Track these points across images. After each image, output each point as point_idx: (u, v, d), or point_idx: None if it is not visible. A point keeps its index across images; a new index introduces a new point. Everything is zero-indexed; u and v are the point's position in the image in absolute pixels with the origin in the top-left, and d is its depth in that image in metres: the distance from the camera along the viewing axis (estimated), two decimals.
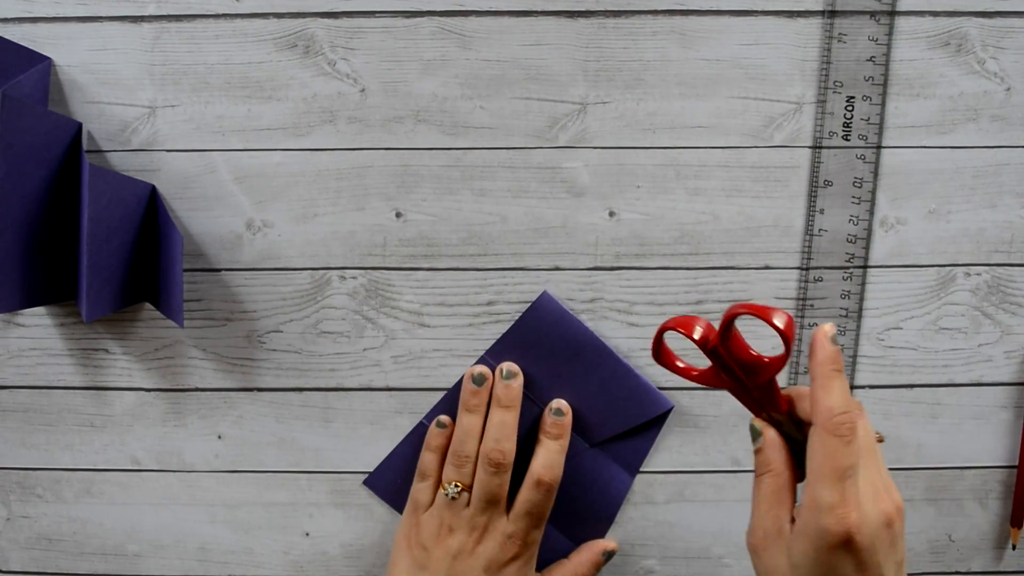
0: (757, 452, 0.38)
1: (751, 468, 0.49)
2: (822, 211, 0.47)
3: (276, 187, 0.47)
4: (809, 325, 0.47)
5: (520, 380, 0.47)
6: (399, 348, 0.48)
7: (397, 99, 0.46)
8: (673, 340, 0.40)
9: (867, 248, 0.47)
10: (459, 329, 0.48)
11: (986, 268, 0.47)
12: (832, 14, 0.45)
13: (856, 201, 0.46)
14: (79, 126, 0.44)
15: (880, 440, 0.37)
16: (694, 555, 0.50)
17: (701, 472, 0.49)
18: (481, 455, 0.45)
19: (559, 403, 0.47)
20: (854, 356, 0.48)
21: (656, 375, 0.48)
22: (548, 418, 0.47)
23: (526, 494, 0.45)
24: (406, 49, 0.45)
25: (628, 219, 0.47)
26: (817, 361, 0.36)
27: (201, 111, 0.46)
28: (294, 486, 0.50)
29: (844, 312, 0.47)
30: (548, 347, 0.47)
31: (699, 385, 0.46)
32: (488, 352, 0.48)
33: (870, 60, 0.45)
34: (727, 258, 0.47)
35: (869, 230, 0.47)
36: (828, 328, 0.36)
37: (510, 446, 0.45)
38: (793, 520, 0.36)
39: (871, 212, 0.47)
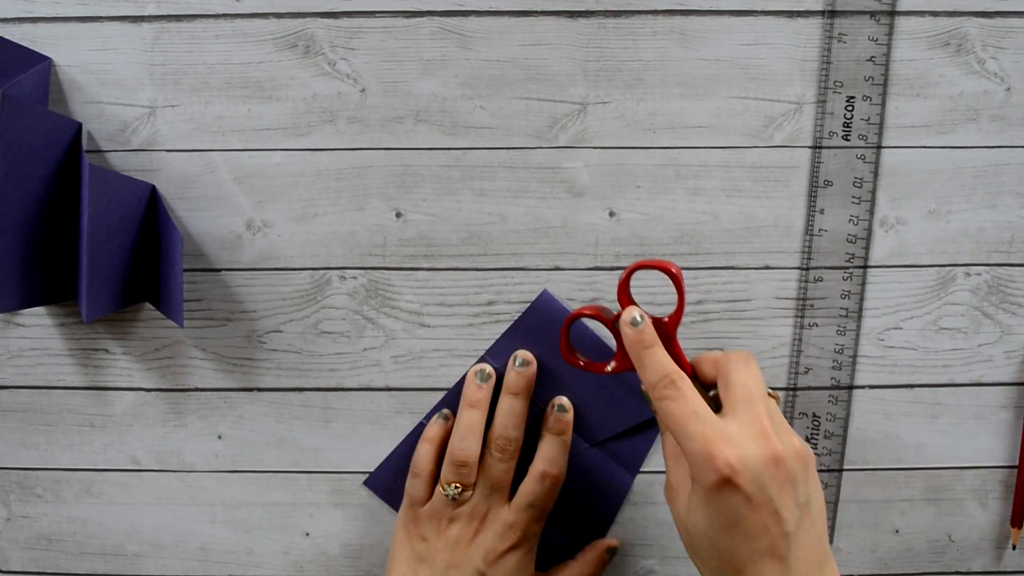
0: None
1: None
2: (822, 211, 0.47)
3: (276, 187, 0.47)
4: (809, 325, 0.47)
5: (533, 369, 0.46)
6: (399, 348, 0.48)
7: (397, 99, 0.46)
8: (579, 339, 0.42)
9: (867, 248, 0.47)
10: (459, 329, 0.48)
11: (986, 268, 0.47)
12: (832, 14, 0.45)
13: (856, 201, 0.46)
14: (79, 126, 0.44)
15: (772, 394, 0.40)
16: None
17: None
18: (489, 440, 0.45)
19: (561, 399, 0.47)
20: (854, 356, 0.48)
21: None
22: (551, 414, 0.47)
23: (530, 486, 0.45)
24: (406, 49, 0.45)
25: (628, 219, 0.47)
26: (627, 347, 0.40)
27: (201, 111, 0.46)
28: (294, 486, 0.50)
29: (844, 312, 0.47)
30: (548, 346, 0.47)
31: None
32: (488, 352, 0.48)
33: (870, 60, 0.45)
34: (727, 258, 0.47)
35: (869, 230, 0.47)
36: (625, 315, 0.40)
37: (517, 434, 0.45)
38: None
39: (871, 212, 0.47)
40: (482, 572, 0.44)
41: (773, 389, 0.48)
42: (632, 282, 0.45)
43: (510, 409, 0.46)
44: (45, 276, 0.44)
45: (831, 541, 0.50)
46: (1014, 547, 0.50)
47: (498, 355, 0.47)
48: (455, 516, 0.45)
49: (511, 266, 0.47)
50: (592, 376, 0.47)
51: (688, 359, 0.41)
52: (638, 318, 0.40)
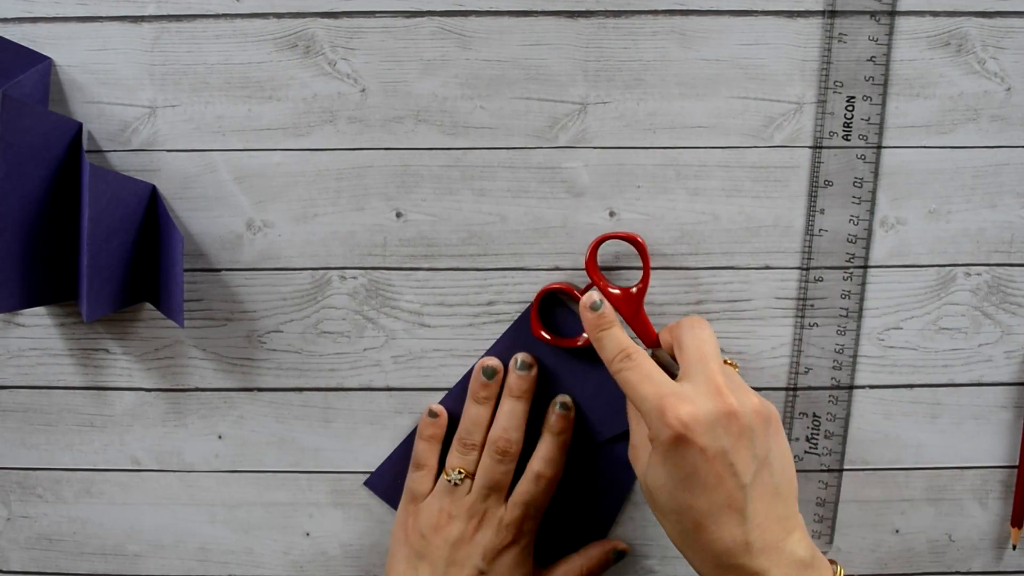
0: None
1: None
2: (822, 211, 0.47)
3: (276, 187, 0.47)
4: (809, 325, 0.47)
5: (535, 371, 0.46)
6: (399, 348, 0.48)
7: (397, 99, 0.46)
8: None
9: (867, 248, 0.47)
10: (459, 329, 0.48)
11: (986, 268, 0.47)
12: (832, 14, 0.45)
13: (856, 201, 0.46)
14: (79, 126, 0.44)
15: (729, 362, 0.42)
16: None
17: None
18: (488, 442, 0.45)
19: (564, 398, 0.47)
20: (854, 356, 0.48)
21: None
22: (553, 412, 0.47)
23: (524, 485, 0.46)
24: (406, 49, 0.45)
25: (628, 219, 0.47)
26: (586, 330, 0.43)
27: (201, 111, 0.46)
28: (294, 486, 0.50)
29: (844, 312, 0.47)
30: (549, 346, 0.47)
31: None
32: (489, 351, 0.48)
33: (870, 60, 0.45)
34: (727, 258, 0.47)
35: (869, 230, 0.47)
36: (585, 299, 0.43)
37: (518, 435, 0.45)
38: None
39: (871, 212, 0.47)
40: (482, 570, 0.44)
41: (784, 391, 0.48)
42: (604, 255, 0.47)
43: (511, 411, 0.46)
44: (45, 276, 0.44)
45: (831, 540, 0.50)
46: (1014, 547, 0.50)
47: (499, 354, 0.47)
48: (454, 512, 0.45)
49: (511, 266, 0.47)
50: (593, 375, 0.47)
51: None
52: (597, 301, 0.42)
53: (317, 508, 0.50)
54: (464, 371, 0.48)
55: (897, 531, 0.50)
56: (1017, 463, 0.49)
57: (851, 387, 0.48)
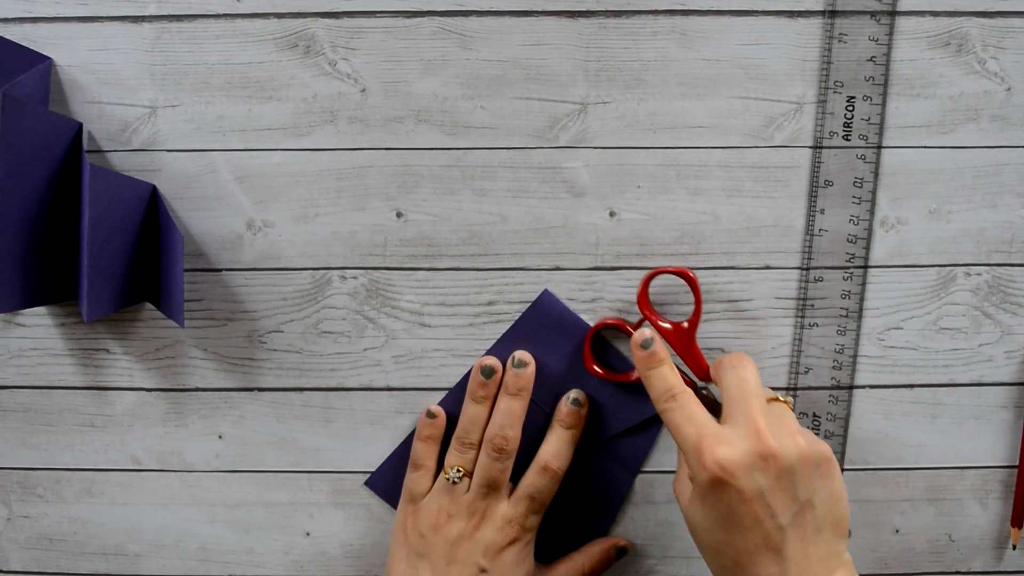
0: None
1: None
2: (822, 211, 0.47)
3: (277, 187, 0.47)
4: (809, 325, 0.47)
5: (532, 369, 0.46)
6: (400, 348, 0.48)
7: (397, 99, 0.46)
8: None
9: (867, 248, 0.47)
10: (459, 329, 0.48)
11: (986, 268, 0.47)
12: (832, 14, 0.45)
13: (856, 201, 0.46)
14: (80, 126, 0.44)
15: (782, 399, 0.41)
16: (694, 555, 0.50)
17: None
18: (485, 440, 0.46)
19: (577, 393, 0.47)
20: (855, 356, 0.48)
21: None
22: (564, 406, 0.47)
23: (531, 478, 0.46)
24: (407, 49, 0.45)
25: (629, 219, 0.47)
26: (636, 366, 0.43)
27: (202, 111, 0.46)
28: (295, 486, 0.50)
29: (844, 312, 0.47)
30: (549, 345, 0.47)
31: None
32: (489, 351, 0.48)
33: (871, 60, 0.45)
34: (727, 258, 0.47)
35: (869, 230, 0.47)
36: (636, 336, 0.43)
37: (514, 433, 0.45)
38: None
39: (871, 212, 0.47)
40: (483, 567, 0.44)
41: (784, 391, 0.48)
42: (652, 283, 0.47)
43: (508, 409, 0.46)
44: (46, 276, 0.44)
45: None
46: (1014, 547, 0.50)
47: (499, 354, 0.47)
48: (453, 511, 0.45)
49: (512, 266, 0.47)
50: (588, 382, 0.47)
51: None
52: (648, 339, 0.43)
53: (318, 508, 0.50)
54: (464, 371, 0.48)
55: (897, 531, 0.50)
56: (1017, 463, 0.49)
57: (851, 387, 0.48)
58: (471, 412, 0.46)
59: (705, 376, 0.45)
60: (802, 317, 0.48)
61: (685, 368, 0.46)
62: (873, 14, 0.45)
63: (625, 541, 0.49)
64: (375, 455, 0.49)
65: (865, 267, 0.47)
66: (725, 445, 0.38)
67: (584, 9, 0.45)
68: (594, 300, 0.47)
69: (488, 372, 0.46)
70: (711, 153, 0.46)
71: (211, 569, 0.51)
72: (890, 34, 0.45)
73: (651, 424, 0.48)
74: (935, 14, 0.45)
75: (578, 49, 0.45)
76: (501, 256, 0.47)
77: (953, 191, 0.47)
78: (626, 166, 0.46)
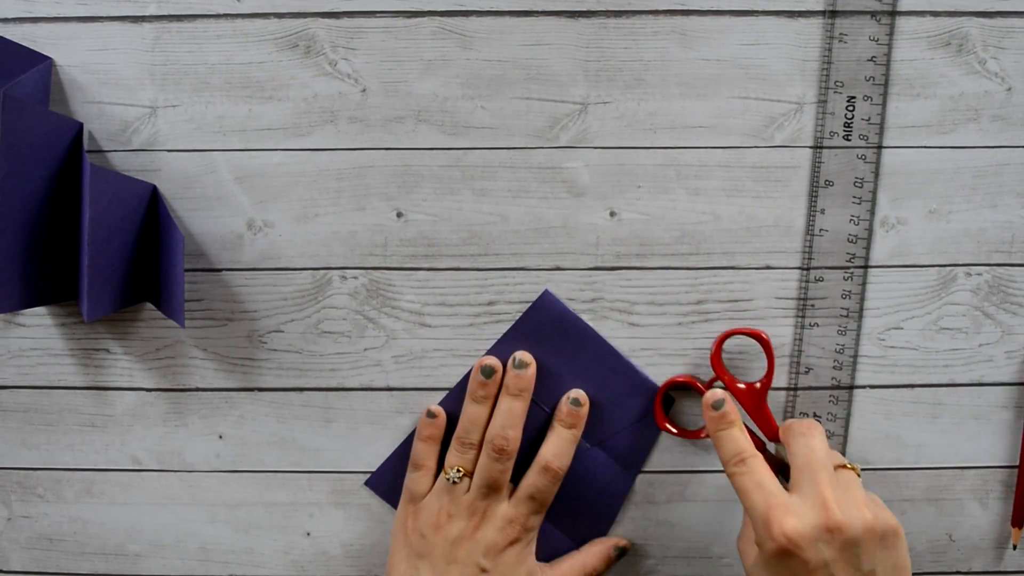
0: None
1: None
2: (823, 211, 0.47)
3: (277, 187, 0.47)
4: (810, 325, 0.47)
5: (532, 370, 0.46)
6: (400, 348, 0.48)
7: (398, 99, 0.46)
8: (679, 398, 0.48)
9: (868, 248, 0.47)
10: (460, 329, 0.48)
11: (987, 268, 0.47)
12: (833, 14, 0.45)
13: (857, 201, 0.46)
14: (80, 126, 0.44)
15: (850, 467, 0.42)
16: (694, 555, 0.50)
17: (701, 472, 0.49)
18: (486, 440, 0.46)
19: (577, 393, 0.47)
20: (855, 356, 0.48)
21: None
22: (564, 406, 0.47)
23: (532, 478, 0.46)
24: (407, 49, 0.45)
25: (629, 219, 0.47)
26: (707, 426, 0.44)
27: (202, 111, 0.46)
28: (295, 486, 0.50)
29: (845, 312, 0.47)
30: (549, 345, 0.47)
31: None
32: (490, 351, 0.48)
33: (871, 60, 0.45)
34: (728, 258, 0.47)
35: (870, 230, 0.47)
36: (708, 396, 0.44)
37: (515, 434, 0.45)
38: None
39: (872, 212, 0.47)
40: (484, 567, 0.44)
41: (785, 391, 0.48)
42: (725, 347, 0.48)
43: (508, 410, 0.46)
44: (46, 276, 0.44)
45: None
46: (1014, 547, 0.50)
47: (499, 355, 0.47)
48: (454, 511, 0.45)
49: (512, 266, 0.47)
50: (594, 374, 0.47)
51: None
52: (720, 400, 0.44)
53: (318, 508, 0.50)
54: (464, 371, 0.48)
55: None
56: (1017, 463, 0.49)
57: (852, 387, 0.48)
58: (471, 412, 0.46)
59: (774, 437, 0.46)
60: (802, 317, 0.48)
61: (754, 427, 0.47)
62: (873, 14, 0.45)
63: (625, 541, 0.49)
64: (375, 455, 0.49)
65: (865, 267, 0.47)
66: (793, 516, 0.39)
67: (584, 9, 0.45)
68: (594, 300, 0.47)
69: (488, 372, 0.46)
70: (711, 153, 0.46)
71: (211, 569, 0.51)
72: (890, 34, 0.45)
73: (650, 424, 0.48)
74: (935, 14, 0.45)
75: (578, 49, 0.45)
76: (501, 256, 0.47)
77: (953, 191, 0.47)
78: (626, 166, 0.46)
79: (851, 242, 0.47)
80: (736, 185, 0.46)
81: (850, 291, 0.47)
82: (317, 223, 0.47)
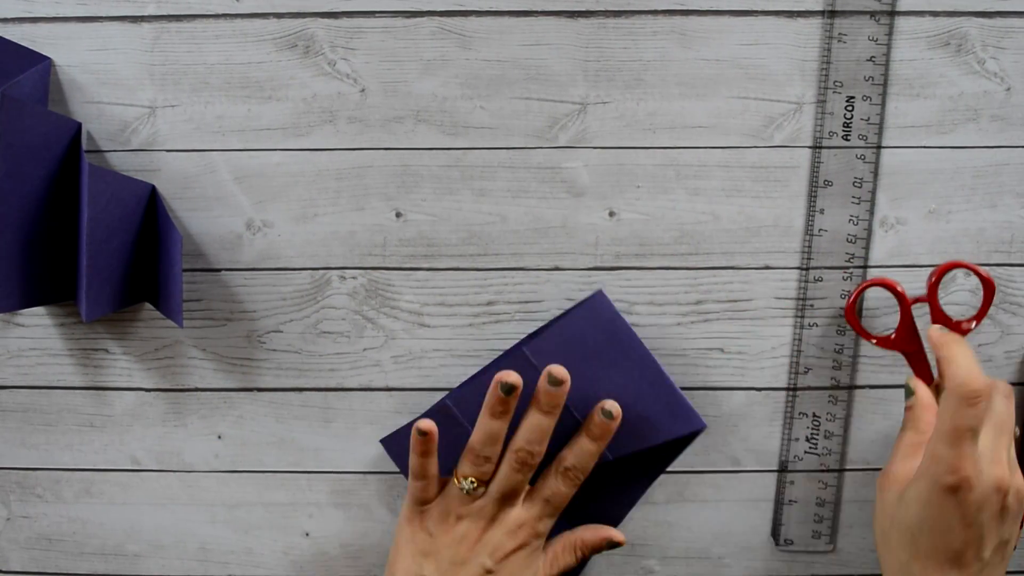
0: (908, 409, 0.44)
1: (751, 468, 0.49)
2: (822, 211, 0.47)
3: (276, 187, 0.47)
4: (809, 325, 0.47)
5: (566, 388, 0.44)
6: (399, 348, 0.48)
7: (397, 99, 0.46)
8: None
9: (867, 248, 0.47)
10: (459, 329, 0.48)
11: (986, 268, 0.47)
12: (832, 14, 0.45)
13: (856, 201, 0.46)
14: (79, 126, 0.44)
15: (1018, 434, 0.43)
16: (694, 555, 0.50)
17: (701, 472, 0.49)
18: (509, 451, 0.44)
19: (612, 404, 0.44)
20: (854, 356, 0.48)
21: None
22: (596, 416, 0.45)
23: (550, 481, 0.45)
24: (406, 49, 0.45)
25: (628, 219, 0.47)
26: (934, 342, 0.44)
27: (201, 111, 0.46)
28: (294, 486, 0.50)
29: (844, 312, 0.47)
30: (592, 349, 0.45)
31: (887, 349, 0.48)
32: (530, 345, 0.45)
33: (870, 60, 0.45)
34: (727, 258, 0.47)
35: (869, 230, 0.47)
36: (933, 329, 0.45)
37: (540, 449, 0.44)
38: None
39: (871, 212, 0.47)
40: (489, 569, 0.44)
41: (784, 391, 0.48)
42: None
43: (538, 425, 0.44)
44: (45, 276, 0.44)
45: (831, 541, 0.50)
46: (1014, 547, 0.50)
47: (540, 351, 0.45)
48: (464, 514, 0.45)
49: (511, 266, 0.47)
50: (630, 387, 0.45)
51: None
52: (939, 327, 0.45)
53: (317, 508, 0.50)
54: (464, 371, 0.48)
55: None
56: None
57: (851, 387, 0.48)
58: (490, 427, 0.44)
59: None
60: (802, 317, 0.48)
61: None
62: (873, 14, 0.45)
63: (621, 537, 0.47)
64: (374, 455, 0.49)
65: (865, 267, 0.47)
66: (975, 464, 0.40)
67: (584, 9, 0.45)
68: None
69: (508, 390, 0.43)
70: (711, 153, 0.46)
71: (210, 569, 0.51)
72: (890, 34, 0.45)
73: (676, 443, 0.46)
74: (935, 14, 0.45)
75: (578, 49, 0.45)
76: (501, 256, 0.47)
77: (953, 191, 0.47)
78: (626, 166, 0.46)
79: (850, 242, 0.47)
80: (735, 185, 0.46)
81: (849, 291, 0.47)
82: (316, 223, 0.47)
